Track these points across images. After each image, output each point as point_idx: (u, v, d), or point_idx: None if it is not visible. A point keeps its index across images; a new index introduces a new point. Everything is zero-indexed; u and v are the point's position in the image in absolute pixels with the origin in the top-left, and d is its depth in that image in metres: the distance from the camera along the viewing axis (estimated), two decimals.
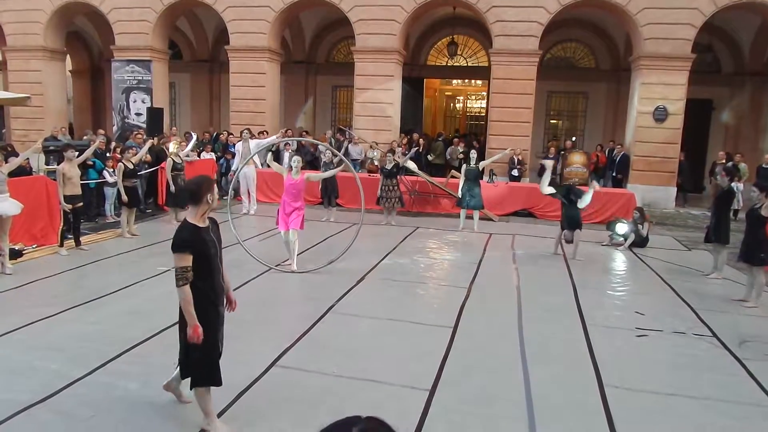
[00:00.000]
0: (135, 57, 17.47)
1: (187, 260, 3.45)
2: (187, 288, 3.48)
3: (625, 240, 9.98)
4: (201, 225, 3.57)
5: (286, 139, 14.13)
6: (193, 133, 13.76)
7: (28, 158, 11.55)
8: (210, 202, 3.57)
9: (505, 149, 13.43)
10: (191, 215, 3.56)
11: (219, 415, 3.87)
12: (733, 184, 8.53)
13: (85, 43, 23.37)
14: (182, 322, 3.62)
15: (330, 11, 17.68)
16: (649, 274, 8.38)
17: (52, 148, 12.16)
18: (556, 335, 5.65)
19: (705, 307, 6.76)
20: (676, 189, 15.09)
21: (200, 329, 3.48)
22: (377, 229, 10.76)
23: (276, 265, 7.69)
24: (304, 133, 17.75)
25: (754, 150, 17.75)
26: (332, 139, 16.27)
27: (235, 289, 6.58)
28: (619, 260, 9.34)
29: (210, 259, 3.56)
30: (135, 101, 17.58)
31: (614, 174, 15.46)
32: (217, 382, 3.65)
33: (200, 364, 3.60)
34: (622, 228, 10.15)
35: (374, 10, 15.81)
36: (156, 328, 5.34)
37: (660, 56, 14.63)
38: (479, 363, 4.91)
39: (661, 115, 14.84)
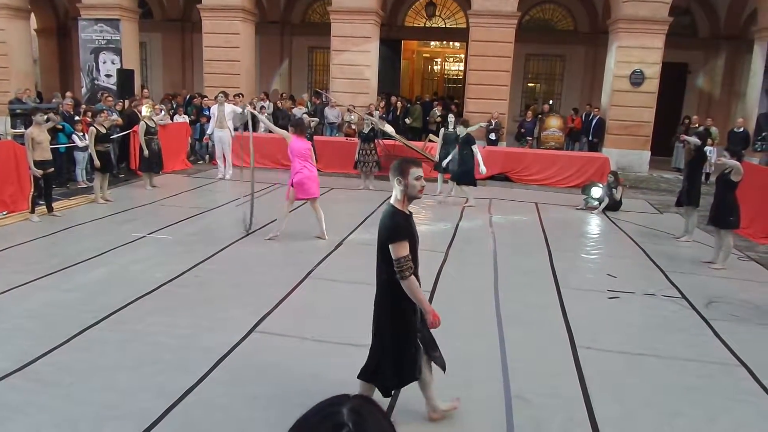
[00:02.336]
0: (103, 15, 16.82)
1: (407, 248, 3.15)
2: (414, 277, 3.19)
3: (600, 204, 10.14)
4: (407, 212, 3.29)
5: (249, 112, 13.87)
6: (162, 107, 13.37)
7: None
8: (400, 185, 3.24)
9: (488, 114, 13.50)
10: (395, 200, 3.29)
11: (202, 379, 3.90)
12: (706, 148, 8.68)
13: (51, 1, 22.43)
14: (383, 326, 3.37)
15: None
16: (621, 238, 8.56)
17: (18, 111, 11.80)
18: (531, 298, 5.77)
19: (675, 269, 6.95)
20: (649, 153, 15.29)
21: (438, 316, 3.28)
22: (355, 194, 10.75)
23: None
24: (282, 95, 17.45)
25: (727, 114, 18.03)
26: (309, 103, 16.06)
27: (211, 256, 6.64)
28: (593, 224, 9.51)
29: (416, 252, 3.28)
30: (105, 62, 17.01)
31: (590, 138, 15.58)
32: (418, 374, 3.42)
33: (409, 362, 3.36)
34: (597, 192, 10.30)
35: None
36: (133, 295, 5.32)
37: (638, 19, 14.60)
38: (456, 326, 4.98)
39: (637, 79, 14.91)
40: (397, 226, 3.18)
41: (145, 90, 15.85)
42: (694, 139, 8.21)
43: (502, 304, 5.53)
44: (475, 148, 10.04)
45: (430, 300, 5.56)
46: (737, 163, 6.96)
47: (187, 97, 16.37)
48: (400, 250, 3.14)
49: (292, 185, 7.34)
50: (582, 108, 16.83)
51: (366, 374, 3.47)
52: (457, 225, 8.77)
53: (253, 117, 8.42)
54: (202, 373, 3.98)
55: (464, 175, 10.07)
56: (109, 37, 16.88)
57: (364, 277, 6.16)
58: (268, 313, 5.05)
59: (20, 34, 18.30)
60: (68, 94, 13.99)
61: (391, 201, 3.31)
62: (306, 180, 7.32)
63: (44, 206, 8.33)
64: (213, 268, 6.31)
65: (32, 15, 19.92)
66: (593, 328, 5.07)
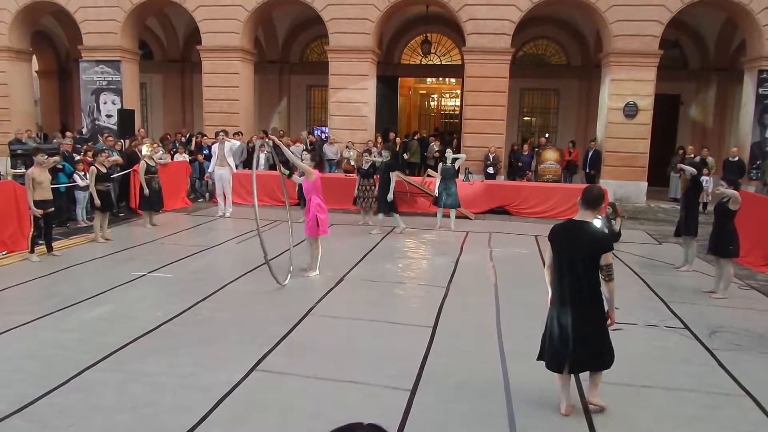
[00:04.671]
0: (104, 57, 17.17)
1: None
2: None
3: None
4: None
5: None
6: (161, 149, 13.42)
7: None
8: (598, 213, 4.08)
9: (484, 148, 13.81)
10: (591, 219, 3.99)
11: (202, 419, 3.85)
12: (702, 177, 8.76)
13: (52, 43, 22.88)
14: (599, 321, 3.94)
15: (303, 10, 17.63)
16: (622, 268, 8.53)
17: (19, 151, 11.91)
18: (534, 331, 5.69)
19: (676, 299, 6.93)
20: (646, 183, 15.40)
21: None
22: (355, 230, 10.77)
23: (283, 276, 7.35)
24: (281, 132, 17.66)
25: (720, 143, 18.24)
26: (307, 141, 16.24)
27: (212, 294, 6.63)
28: None
29: None
30: (105, 102, 17.28)
31: (587, 170, 15.72)
32: None
33: (611, 347, 4.02)
34: (596, 223, 10.27)
35: (347, 9, 15.81)
36: (132, 335, 5.28)
37: (629, 53, 14.91)
38: (459, 361, 4.96)
39: (631, 111, 15.13)
40: (610, 240, 4.00)
41: (141, 130, 16.02)
42: (690, 169, 8.28)
43: (505, 338, 5.49)
44: (393, 175, 10.38)
45: (432, 335, 5.54)
46: (735, 192, 7.01)
47: (187, 136, 16.53)
48: (610, 258, 3.86)
49: (317, 220, 7.32)
50: (579, 141, 17.03)
51: (583, 367, 4.05)
52: (458, 259, 8.76)
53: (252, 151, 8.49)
54: (202, 414, 3.93)
55: (386, 204, 10.39)
56: (110, 78, 17.18)
57: (365, 314, 6.16)
58: (269, 351, 5.02)
59: (22, 76, 18.62)
60: (68, 134, 14.15)
61: (588, 219, 3.99)
62: (326, 217, 7.44)
63: (44, 246, 8.34)
64: (213, 306, 6.29)
65: (34, 57, 20.28)
66: None
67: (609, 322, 3.96)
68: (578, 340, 3.89)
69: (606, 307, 3.99)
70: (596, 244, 3.86)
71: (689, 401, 4.36)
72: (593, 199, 3.98)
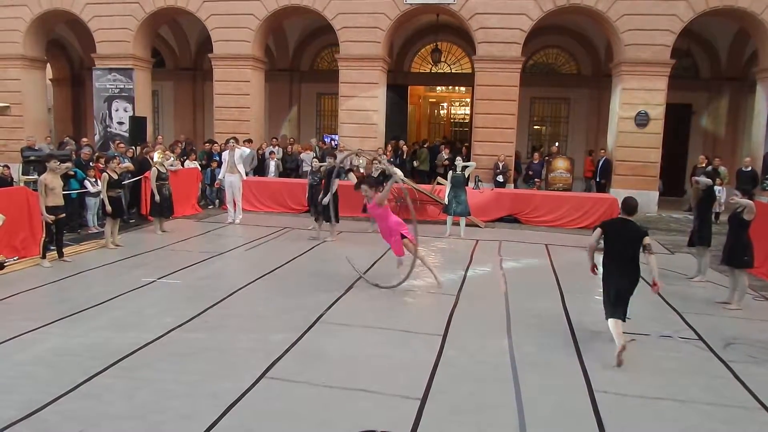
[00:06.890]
0: (117, 65, 17.33)
1: None
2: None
3: None
4: None
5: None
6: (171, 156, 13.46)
7: (8, 167, 11.45)
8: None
9: (494, 156, 13.68)
10: (632, 218, 5.48)
11: (211, 427, 3.83)
12: (715, 187, 8.67)
13: (66, 51, 23.12)
14: (632, 285, 5.43)
15: (314, 19, 17.73)
16: None
17: (32, 158, 12.01)
18: (545, 341, 5.67)
19: (690, 310, 6.83)
20: (658, 193, 15.28)
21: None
22: (364, 237, 10.74)
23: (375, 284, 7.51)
24: (291, 140, 17.71)
25: (732, 153, 18.09)
26: (317, 148, 16.27)
27: (221, 301, 6.62)
28: None
29: None
30: (117, 110, 17.42)
31: (597, 179, 15.62)
32: None
33: None
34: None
35: (358, 18, 15.87)
36: (141, 341, 5.27)
37: (640, 62, 14.85)
38: (469, 371, 4.91)
39: (642, 120, 15.04)
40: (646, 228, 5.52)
41: (160, 137, 16.11)
42: (705, 180, 8.20)
43: (516, 348, 5.43)
44: (335, 181, 10.00)
45: (442, 344, 5.49)
46: (750, 201, 6.93)
47: (183, 143, 16.52)
48: (648, 239, 5.35)
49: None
50: (595, 153, 16.94)
51: (624, 314, 5.39)
52: (468, 268, 8.71)
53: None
54: (210, 421, 3.90)
55: (325, 210, 10.06)
56: (122, 86, 17.34)
57: (374, 321, 6.12)
58: (279, 359, 4.98)
59: (35, 84, 18.82)
60: (85, 141, 14.24)
61: (629, 218, 5.48)
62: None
63: (55, 252, 8.37)
64: (222, 313, 6.27)
65: (48, 65, 20.50)
66: (610, 372, 4.96)
67: (656, 287, 5.39)
68: (625, 297, 5.39)
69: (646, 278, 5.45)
70: (640, 233, 5.37)
71: (704, 414, 4.28)
72: (633, 210, 5.53)
